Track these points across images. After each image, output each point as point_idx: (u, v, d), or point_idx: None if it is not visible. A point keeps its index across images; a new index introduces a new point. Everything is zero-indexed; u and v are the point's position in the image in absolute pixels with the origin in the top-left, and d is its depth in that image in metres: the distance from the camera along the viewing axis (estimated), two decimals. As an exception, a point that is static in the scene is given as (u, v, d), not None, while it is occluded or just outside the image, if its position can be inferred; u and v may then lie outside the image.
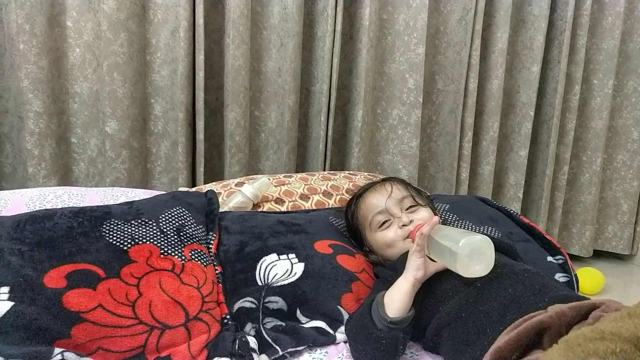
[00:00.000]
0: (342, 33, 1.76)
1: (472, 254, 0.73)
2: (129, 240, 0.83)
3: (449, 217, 1.20)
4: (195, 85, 1.63)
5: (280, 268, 0.90)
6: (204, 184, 1.54)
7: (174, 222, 0.91)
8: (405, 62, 1.82)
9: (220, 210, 1.07)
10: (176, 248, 0.86)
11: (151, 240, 0.85)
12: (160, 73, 1.64)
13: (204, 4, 1.58)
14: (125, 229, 0.85)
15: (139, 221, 0.88)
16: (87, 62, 1.58)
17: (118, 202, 1.01)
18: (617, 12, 2.00)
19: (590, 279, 1.80)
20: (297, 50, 1.72)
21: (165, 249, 0.84)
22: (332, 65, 1.74)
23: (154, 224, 0.88)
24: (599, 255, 2.25)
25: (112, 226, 0.85)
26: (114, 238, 0.82)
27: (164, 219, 0.90)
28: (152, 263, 0.81)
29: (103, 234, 0.83)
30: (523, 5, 1.95)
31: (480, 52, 1.88)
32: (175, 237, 0.88)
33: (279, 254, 0.93)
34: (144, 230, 0.86)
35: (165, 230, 0.88)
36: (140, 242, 0.83)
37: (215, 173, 1.76)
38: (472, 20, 1.83)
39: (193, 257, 0.87)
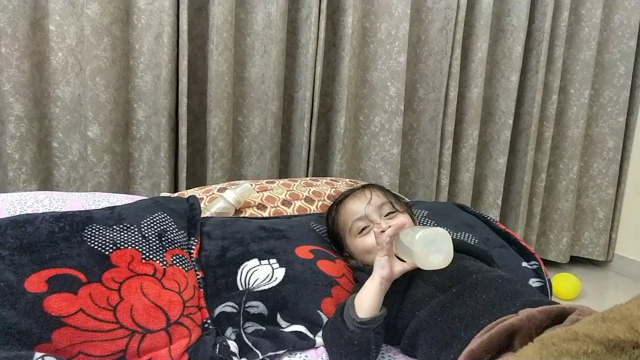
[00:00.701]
0: (325, 41, 1.79)
1: (429, 245, 0.77)
2: (110, 245, 0.83)
3: (427, 223, 1.22)
4: (178, 91, 1.64)
5: (261, 273, 0.91)
6: (186, 189, 1.54)
7: (155, 227, 0.92)
8: (387, 70, 1.85)
9: (203, 215, 1.08)
10: (158, 253, 0.87)
11: (133, 245, 0.85)
12: (144, 78, 1.64)
13: (187, 10, 1.59)
14: (107, 233, 0.85)
15: (121, 226, 0.88)
16: (69, 66, 1.57)
17: (100, 207, 1.01)
18: (594, 23, 2.06)
19: (567, 285, 1.85)
20: (281, 57, 1.73)
21: (147, 254, 0.85)
22: (315, 72, 1.77)
23: (136, 229, 0.89)
24: (576, 261, 2.30)
25: (94, 231, 0.85)
26: (96, 243, 0.83)
27: (145, 224, 0.91)
28: (134, 268, 0.82)
29: (85, 238, 0.83)
30: (502, 15, 2.00)
31: (461, 61, 1.92)
32: (157, 242, 0.89)
33: (260, 259, 0.94)
34: (125, 235, 0.87)
35: (147, 235, 0.89)
36: (122, 247, 0.84)
37: (197, 178, 1.76)
38: (453, 30, 1.87)
39: (175, 262, 0.87)
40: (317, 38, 1.74)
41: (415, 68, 1.94)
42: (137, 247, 0.85)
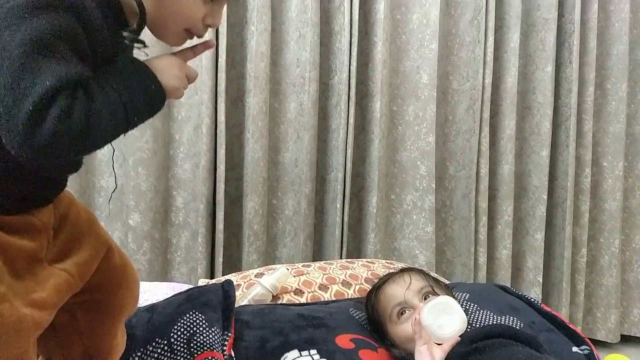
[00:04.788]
0: (355, 125, 1.85)
1: (437, 315, 0.77)
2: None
3: (469, 306, 1.19)
4: (216, 177, 1.70)
5: (302, 365, 0.89)
6: (223, 274, 1.56)
7: (185, 332, 0.91)
8: (416, 150, 1.89)
9: (240, 303, 1.08)
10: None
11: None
12: (183, 167, 1.72)
13: (225, 102, 1.69)
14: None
15: (152, 347, 0.90)
16: (114, 157, 1.67)
17: (141, 305, 1.02)
18: (620, 97, 2.08)
19: (621, 367, 1.73)
20: (313, 142, 1.80)
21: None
22: (346, 154, 1.82)
23: (166, 344, 0.89)
24: (627, 340, 2.17)
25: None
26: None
27: (175, 332, 0.91)
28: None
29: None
30: (527, 93, 2.04)
31: (489, 138, 1.95)
32: (185, 349, 0.88)
33: (300, 350, 0.92)
34: (156, 355, 0.88)
35: (175, 346, 0.88)
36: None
37: (233, 262, 1.78)
38: (480, 109, 1.92)
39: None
40: (347, 123, 1.81)
41: (444, 147, 1.98)
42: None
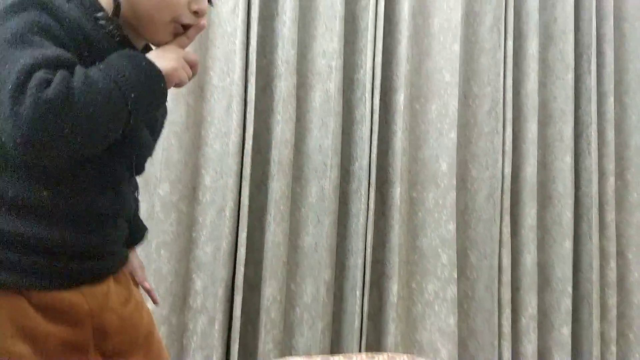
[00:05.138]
0: (375, 210, 1.86)
1: None
2: None
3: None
4: (236, 261, 1.69)
5: None
6: (239, 363, 1.51)
7: None
8: (437, 237, 1.87)
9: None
10: None
11: None
12: (204, 249, 1.72)
13: (249, 185, 1.72)
14: None
15: None
16: (136, 239, 1.67)
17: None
18: (641, 188, 2.08)
19: None
20: (333, 226, 1.80)
21: None
22: (366, 240, 1.81)
23: None
24: None
25: None
26: None
27: None
28: None
29: None
30: (548, 183, 2.05)
31: (511, 227, 1.93)
32: None
33: None
34: None
35: None
36: None
37: (249, 350, 1.73)
38: (500, 198, 1.92)
39: None
40: (367, 208, 1.82)
41: (465, 235, 1.96)
42: None
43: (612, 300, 1.98)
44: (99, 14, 0.67)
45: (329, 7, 1.78)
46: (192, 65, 0.73)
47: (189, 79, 0.73)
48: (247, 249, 1.72)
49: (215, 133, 1.75)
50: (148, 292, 0.98)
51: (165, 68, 0.66)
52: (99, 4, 0.70)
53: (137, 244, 0.99)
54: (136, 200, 0.95)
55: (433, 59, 1.92)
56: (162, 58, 0.67)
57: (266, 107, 1.81)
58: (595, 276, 1.95)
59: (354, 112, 1.90)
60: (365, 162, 1.84)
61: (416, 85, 1.93)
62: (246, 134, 1.72)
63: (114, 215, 0.75)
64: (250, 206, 1.74)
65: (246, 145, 1.72)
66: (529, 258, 1.92)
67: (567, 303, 1.93)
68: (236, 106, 1.70)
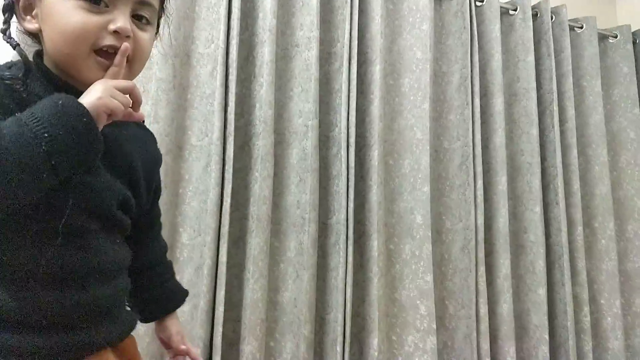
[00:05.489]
0: (354, 264, 1.88)
1: None
2: None
3: None
4: (214, 319, 1.68)
5: None
6: None
7: None
8: (415, 288, 1.90)
9: None
10: None
11: None
12: (182, 308, 1.70)
13: (227, 243, 1.73)
14: None
15: None
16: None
17: None
18: (609, 235, 2.15)
19: None
20: (312, 281, 1.81)
21: None
22: (345, 294, 1.82)
23: None
24: None
25: None
26: None
27: None
28: None
29: None
30: (519, 232, 2.11)
31: (486, 277, 1.98)
32: None
33: None
34: None
35: None
36: None
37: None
38: (475, 249, 1.97)
39: None
40: (346, 262, 1.84)
41: (442, 285, 1.99)
42: None
43: (588, 347, 2.02)
44: (6, 74, 0.65)
45: (304, 70, 1.86)
46: (128, 92, 0.67)
47: (128, 106, 0.67)
48: (225, 306, 1.72)
49: (193, 191, 1.77)
50: (187, 353, 0.93)
51: (89, 100, 0.61)
52: (17, 63, 0.68)
53: (173, 309, 0.97)
54: (155, 260, 0.95)
55: (404, 117, 2.01)
56: (87, 93, 0.63)
57: (244, 165, 1.85)
58: (570, 323, 1.98)
59: (331, 168, 1.95)
60: (342, 216, 1.88)
61: (389, 141, 2.00)
62: (224, 192, 1.75)
63: (83, 274, 0.67)
64: (228, 263, 1.75)
65: (224, 203, 1.75)
66: (505, 307, 1.96)
67: (544, 350, 1.96)
68: (214, 165, 1.74)
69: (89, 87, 0.66)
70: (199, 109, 1.78)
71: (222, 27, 1.74)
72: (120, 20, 0.67)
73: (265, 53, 1.79)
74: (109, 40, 0.67)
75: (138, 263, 0.88)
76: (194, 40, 1.78)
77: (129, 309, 0.86)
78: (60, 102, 0.58)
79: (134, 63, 0.73)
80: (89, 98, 0.62)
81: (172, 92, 1.69)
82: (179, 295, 1.02)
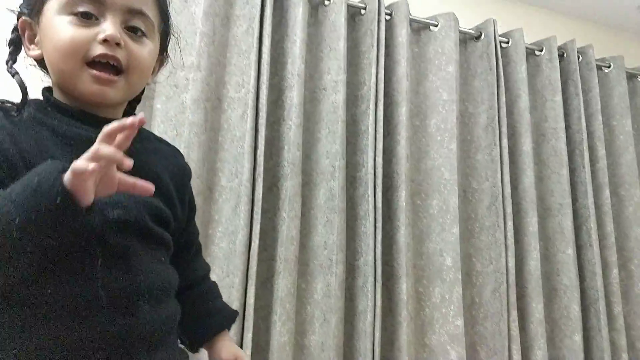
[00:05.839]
0: (382, 307, 1.85)
1: None
2: None
3: None
4: (241, 363, 1.66)
5: None
6: None
7: None
8: (445, 334, 1.85)
9: None
10: None
11: None
12: (209, 351, 1.69)
13: (255, 285, 1.72)
14: None
15: None
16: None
17: None
18: (645, 279, 2.09)
19: None
20: (340, 324, 1.78)
21: None
22: (374, 339, 1.78)
23: None
24: None
25: None
26: None
27: None
28: None
29: None
30: (552, 275, 2.06)
31: (519, 322, 1.92)
32: None
33: None
34: None
35: None
36: None
37: None
38: (506, 292, 1.92)
39: None
40: (375, 305, 1.81)
41: (473, 330, 1.94)
42: None
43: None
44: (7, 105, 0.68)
45: (331, 112, 1.89)
46: (108, 158, 0.57)
47: (115, 160, 0.57)
48: (252, 350, 1.69)
49: (222, 232, 1.78)
50: None
51: (70, 173, 0.54)
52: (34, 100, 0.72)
53: (219, 328, 0.93)
54: (199, 277, 0.95)
55: (432, 157, 2.01)
56: (70, 169, 0.56)
57: (272, 205, 1.86)
58: (608, 372, 1.90)
59: (358, 208, 1.95)
60: (370, 257, 1.86)
61: (416, 181, 2.00)
62: (253, 233, 1.76)
63: (129, 296, 0.66)
64: (255, 305, 1.74)
65: (252, 244, 1.75)
66: (540, 354, 1.89)
67: (582, 403, 1.87)
68: (244, 206, 1.75)
69: (91, 103, 0.69)
70: (229, 151, 1.81)
71: (253, 73, 1.79)
72: (110, 29, 0.68)
73: (294, 97, 1.82)
74: (99, 50, 0.67)
75: (181, 283, 0.85)
76: (225, 85, 1.83)
77: (181, 345, 0.84)
78: (36, 179, 0.53)
79: (130, 75, 0.72)
80: (69, 172, 0.55)
81: (203, 134, 1.73)
82: (227, 314, 0.97)
